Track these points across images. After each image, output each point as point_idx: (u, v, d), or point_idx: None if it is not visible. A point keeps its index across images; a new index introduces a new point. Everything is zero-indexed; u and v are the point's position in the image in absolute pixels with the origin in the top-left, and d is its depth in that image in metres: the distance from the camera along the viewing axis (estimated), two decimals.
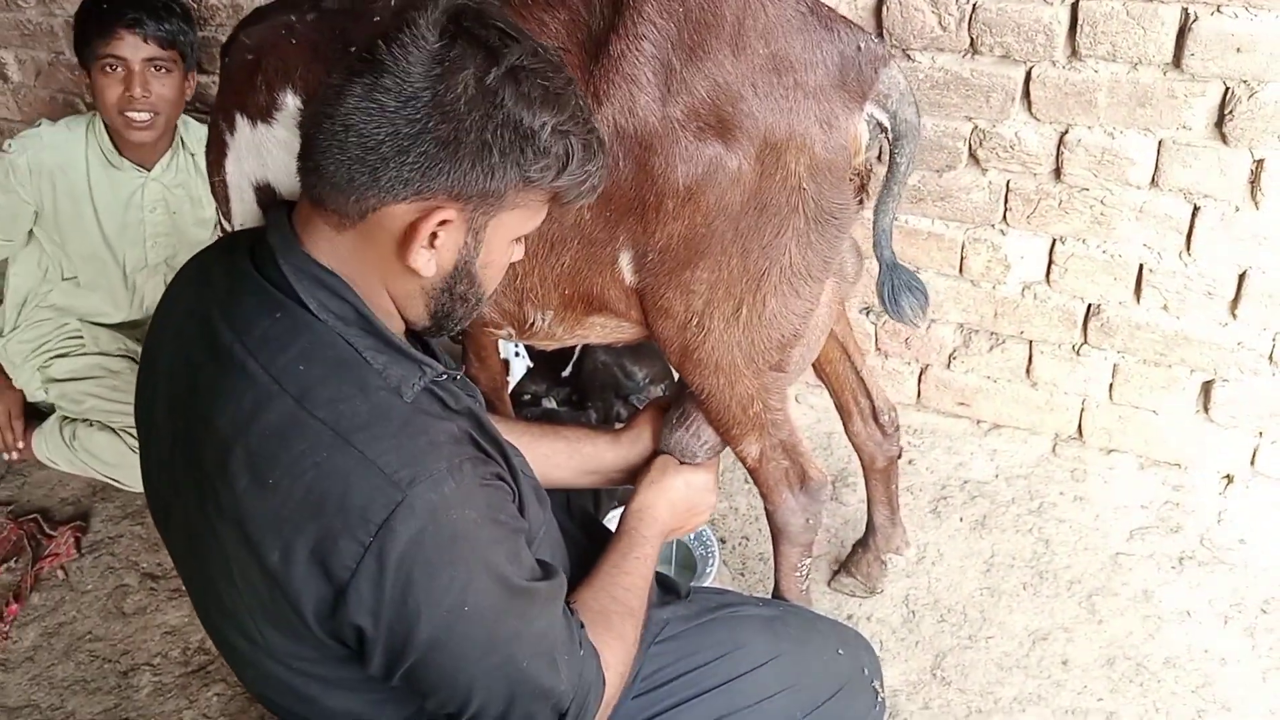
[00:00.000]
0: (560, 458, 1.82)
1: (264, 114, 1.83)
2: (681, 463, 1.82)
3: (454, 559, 1.22)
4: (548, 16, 1.57)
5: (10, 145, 2.89)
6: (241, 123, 1.87)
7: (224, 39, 2.28)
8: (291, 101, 1.80)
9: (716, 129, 1.55)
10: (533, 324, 1.83)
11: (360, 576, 1.19)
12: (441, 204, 1.25)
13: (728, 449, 1.88)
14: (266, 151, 1.86)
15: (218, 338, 1.30)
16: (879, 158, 1.74)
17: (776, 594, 2.09)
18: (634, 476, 1.84)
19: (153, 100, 2.75)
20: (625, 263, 1.69)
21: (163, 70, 2.76)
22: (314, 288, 1.29)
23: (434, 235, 1.26)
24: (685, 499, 1.80)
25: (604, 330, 1.86)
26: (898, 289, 1.84)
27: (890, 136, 1.68)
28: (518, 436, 1.66)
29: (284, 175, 1.87)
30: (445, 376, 1.35)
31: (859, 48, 1.59)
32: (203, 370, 1.30)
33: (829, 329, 1.93)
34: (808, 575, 2.08)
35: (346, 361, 1.27)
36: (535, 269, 1.73)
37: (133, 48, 2.70)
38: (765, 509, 1.99)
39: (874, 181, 1.79)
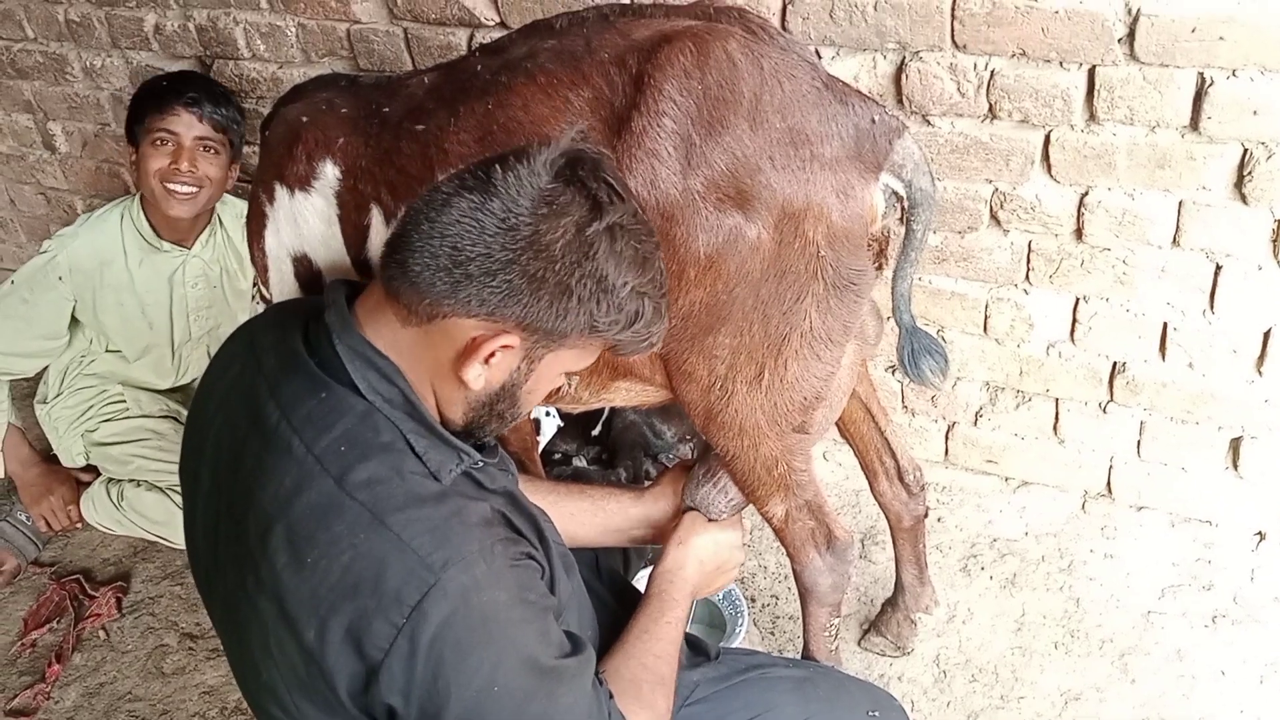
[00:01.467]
0: (584, 516, 1.85)
1: (303, 182, 1.90)
2: (708, 519, 1.83)
3: (484, 641, 1.26)
4: (572, 94, 1.63)
5: (48, 246, 2.94)
6: (281, 193, 1.94)
7: (264, 110, 2.36)
8: (331, 171, 1.87)
9: (736, 200, 1.59)
10: (559, 389, 1.87)
11: (393, 657, 1.23)
12: (509, 329, 1.31)
13: (753, 508, 1.90)
14: (303, 220, 1.93)
15: (264, 414, 1.34)
16: (900, 219, 1.77)
17: (806, 654, 2.10)
18: (658, 534, 1.86)
19: (199, 176, 2.80)
20: None
21: (211, 151, 2.82)
22: (365, 369, 1.34)
23: (491, 354, 1.31)
24: (714, 557, 1.81)
25: (629, 394, 1.90)
26: (918, 352, 1.87)
27: (906, 205, 1.71)
28: (543, 497, 1.69)
29: (320, 246, 1.93)
30: (481, 465, 1.39)
31: (873, 120, 1.63)
32: (248, 445, 1.35)
33: (851, 390, 1.96)
34: (837, 635, 2.08)
35: (387, 445, 1.31)
36: None
37: (187, 125, 2.77)
38: (792, 569, 2.00)
39: (894, 245, 1.83)
